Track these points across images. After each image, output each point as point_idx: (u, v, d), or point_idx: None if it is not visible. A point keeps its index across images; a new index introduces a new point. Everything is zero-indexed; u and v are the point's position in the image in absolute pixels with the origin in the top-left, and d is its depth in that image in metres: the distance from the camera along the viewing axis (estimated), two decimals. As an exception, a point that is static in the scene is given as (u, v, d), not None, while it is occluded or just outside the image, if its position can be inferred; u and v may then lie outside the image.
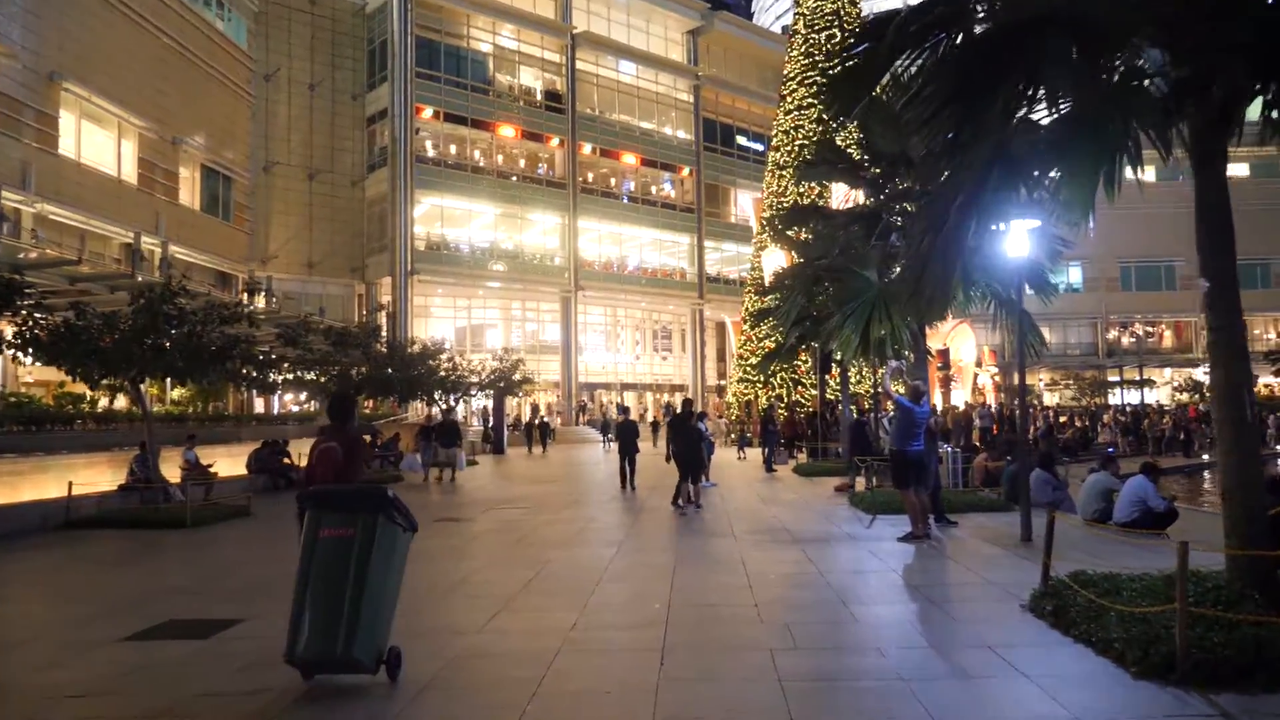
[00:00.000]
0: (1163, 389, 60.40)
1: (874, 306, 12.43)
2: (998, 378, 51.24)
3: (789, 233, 14.62)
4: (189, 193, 34.83)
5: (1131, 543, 9.71)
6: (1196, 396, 51.81)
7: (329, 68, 47.81)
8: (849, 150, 15.46)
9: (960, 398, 41.70)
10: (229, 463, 20.38)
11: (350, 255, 47.78)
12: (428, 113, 46.81)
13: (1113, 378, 60.55)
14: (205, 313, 13.60)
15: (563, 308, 51.02)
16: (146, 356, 12.86)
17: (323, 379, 21.61)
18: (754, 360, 38.19)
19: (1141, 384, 59.31)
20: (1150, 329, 62.96)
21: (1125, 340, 62.42)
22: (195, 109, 34.86)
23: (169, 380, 24.89)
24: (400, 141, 45.41)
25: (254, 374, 15.61)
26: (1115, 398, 58.41)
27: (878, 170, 13.74)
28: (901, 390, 10.78)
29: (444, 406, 29.50)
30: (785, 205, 38.32)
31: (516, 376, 30.73)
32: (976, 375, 46.93)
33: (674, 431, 14.83)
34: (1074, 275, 59.76)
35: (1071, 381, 61.14)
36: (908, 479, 10.54)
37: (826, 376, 25.10)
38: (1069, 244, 13.12)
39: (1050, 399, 58.64)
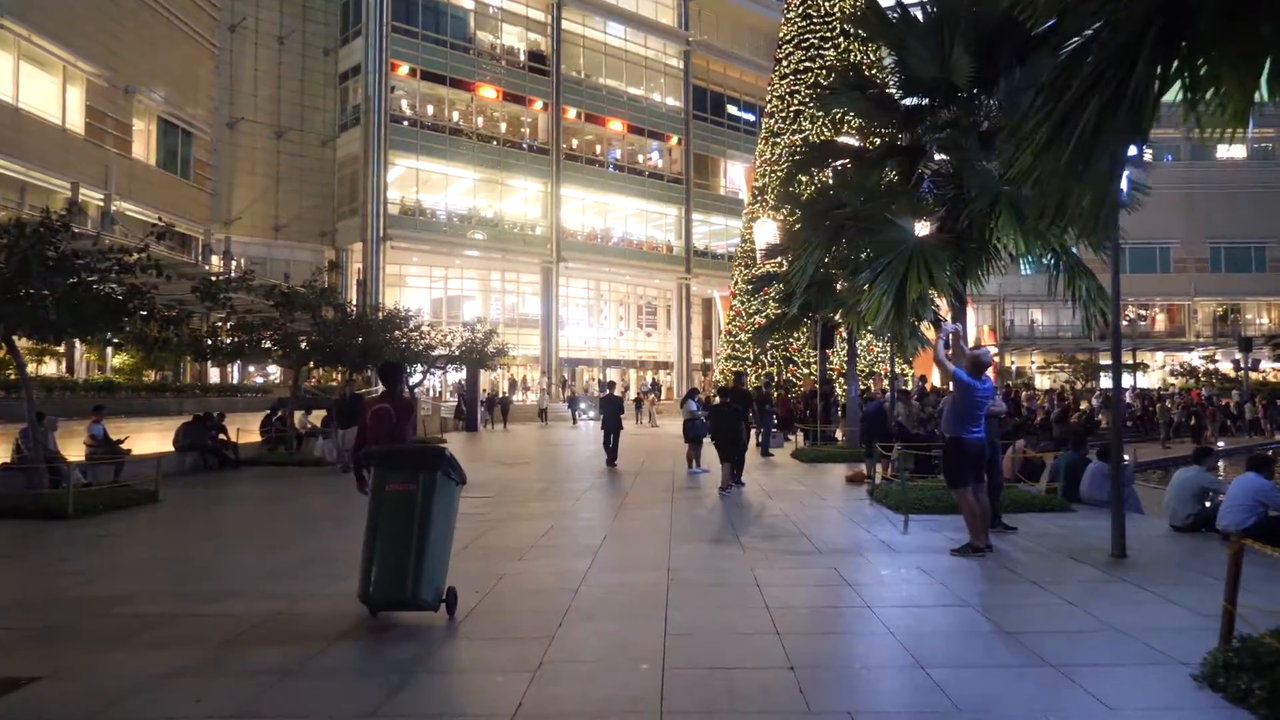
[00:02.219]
0: (1155, 373, 59.32)
1: (911, 261, 10.11)
2: (1013, 357, 49.30)
3: (803, 177, 12.13)
4: (144, 147, 32.04)
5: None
6: (1192, 381, 50.69)
7: (299, 19, 45.05)
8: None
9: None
10: (160, 439, 18.01)
11: (320, 219, 45.15)
12: (404, 70, 44.11)
13: (1105, 361, 59.19)
14: (94, 257, 11.09)
15: (544, 279, 48.58)
16: (14, 309, 10.43)
17: (266, 344, 19.12)
18: (743, 336, 36.08)
19: (1135, 368, 58.24)
20: (1144, 312, 61.54)
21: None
22: (152, 58, 32.02)
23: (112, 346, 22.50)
24: (374, 100, 42.74)
25: (164, 334, 13.12)
26: (1108, 381, 57.16)
27: (912, 102, 11.40)
28: (960, 362, 8.44)
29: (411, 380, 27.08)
30: (780, 174, 36.30)
31: (490, 348, 28.25)
32: (977, 356, 44.77)
33: (716, 417, 14.32)
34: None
35: (1067, 364, 59.53)
36: (965, 474, 8.24)
37: (826, 352, 22.90)
38: (1144, 189, 10.87)
39: (1042, 382, 56.98)
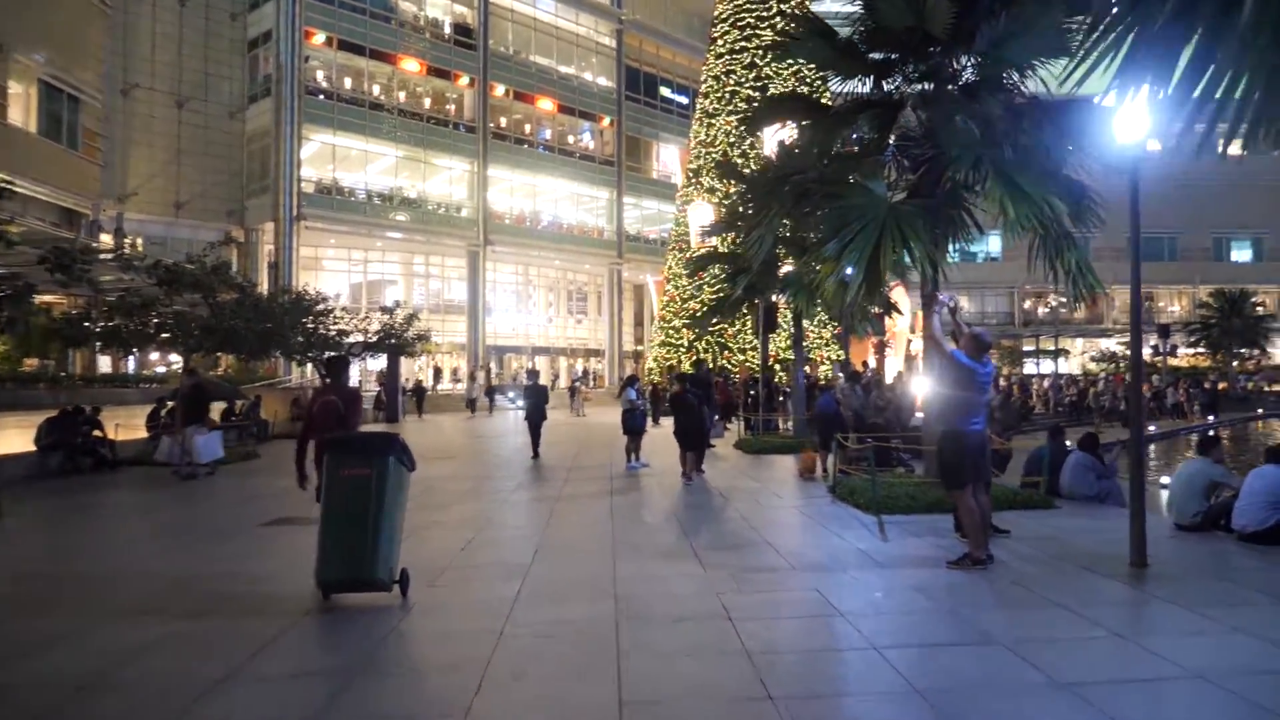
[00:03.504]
0: (1075, 359, 60.61)
1: (884, 229, 8.81)
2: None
3: (760, 134, 10.67)
4: (21, 112, 29.13)
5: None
6: (1112, 366, 51.71)
7: (203, -21, 42.13)
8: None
9: (894, 366, 38.94)
10: (24, 437, 15.84)
11: (226, 196, 42.50)
12: (319, 38, 41.67)
13: (1027, 347, 60.20)
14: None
15: (470, 264, 46.66)
16: None
17: (150, 329, 16.93)
18: (678, 322, 34.92)
19: (1056, 354, 59.58)
20: (1064, 299, 62.45)
21: (1041, 310, 62.28)
22: (32, 14, 29.09)
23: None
24: (287, 69, 40.24)
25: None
26: (1030, 367, 58.17)
27: (881, 56, 10.10)
28: (956, 341, 7.15)
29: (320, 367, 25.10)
30: (715, 155, 35.19)
31: (411, 334, 26.34)
32: (910, 342, 44.21)
33: (678, 406, 13.73)
34: (994, 244, 58.99)
35: (993, 352, 60.10)
36: (963, 473, 6.94)
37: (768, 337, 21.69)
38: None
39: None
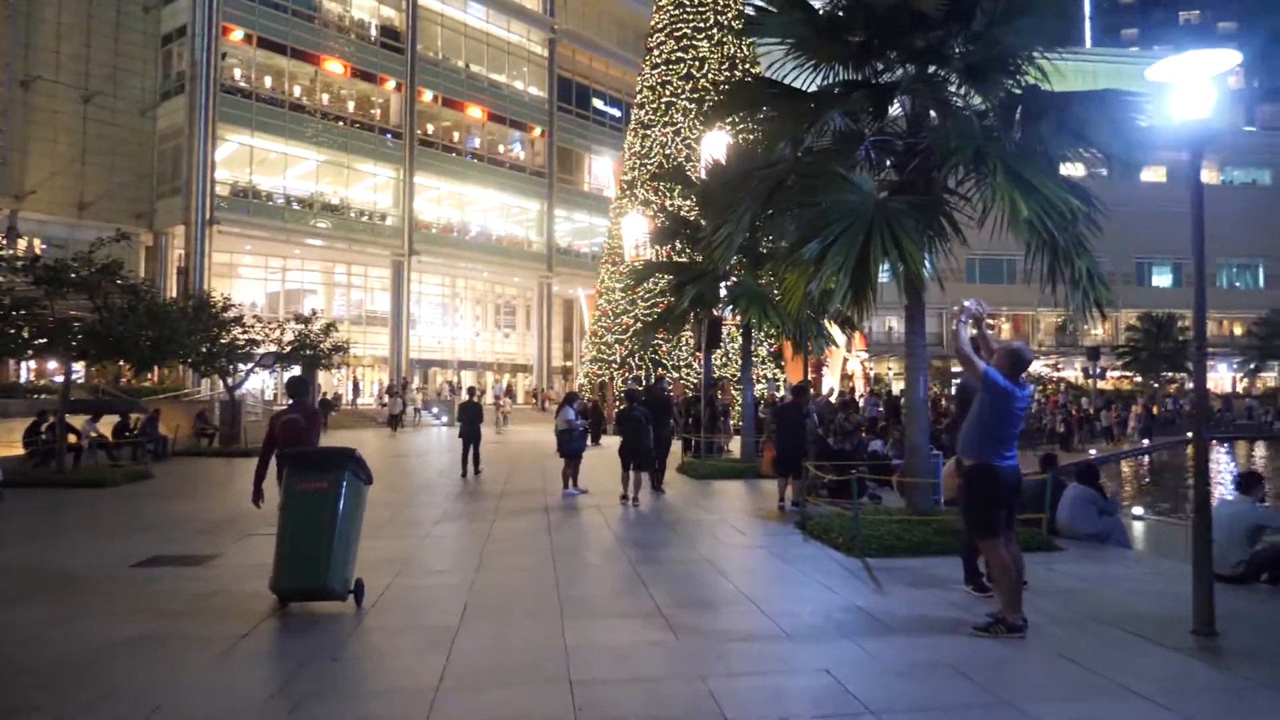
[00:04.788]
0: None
1: (873, 228, 7.67)
2: (868, 364, 48.65)
3: (726, 124, 9.40)
4: (-99, 99, 26.74)
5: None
6: (1050, 387, 52.18)
7: (113, -31, 39.66)
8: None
9: (827, 384, 38.31)
10: None
11: (135, 198, 39.95)
12: (237, 34, 39.52)
13: (956, 368, 60.56)
14: None
15: (394, 274, 44.76)
16: None
17: (23, 334, 14.86)
18: (610, 338, 33.73)
19: None
20: (991, 321, 63.76)
21: (1004, 333, 62.99)
22: (-84, -6, 26.77)
23: None
24: (201, 65, 37.99)
25: None
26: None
27: (864, 37, 8.99)
28: (986, 358, 5.92)
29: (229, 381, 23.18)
30: (650, 167, 34.30)
31: (327, 345, 24.52)
32: (846, 360, 43.76)
33: (621, 424, 13.40)
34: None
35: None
36: (994, 517, 5.73)
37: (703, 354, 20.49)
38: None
39: (897, 387, 57.37)
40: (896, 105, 8.99)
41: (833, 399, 25.61)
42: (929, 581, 7.20)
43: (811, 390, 21.16)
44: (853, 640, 5.64)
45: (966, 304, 6.05)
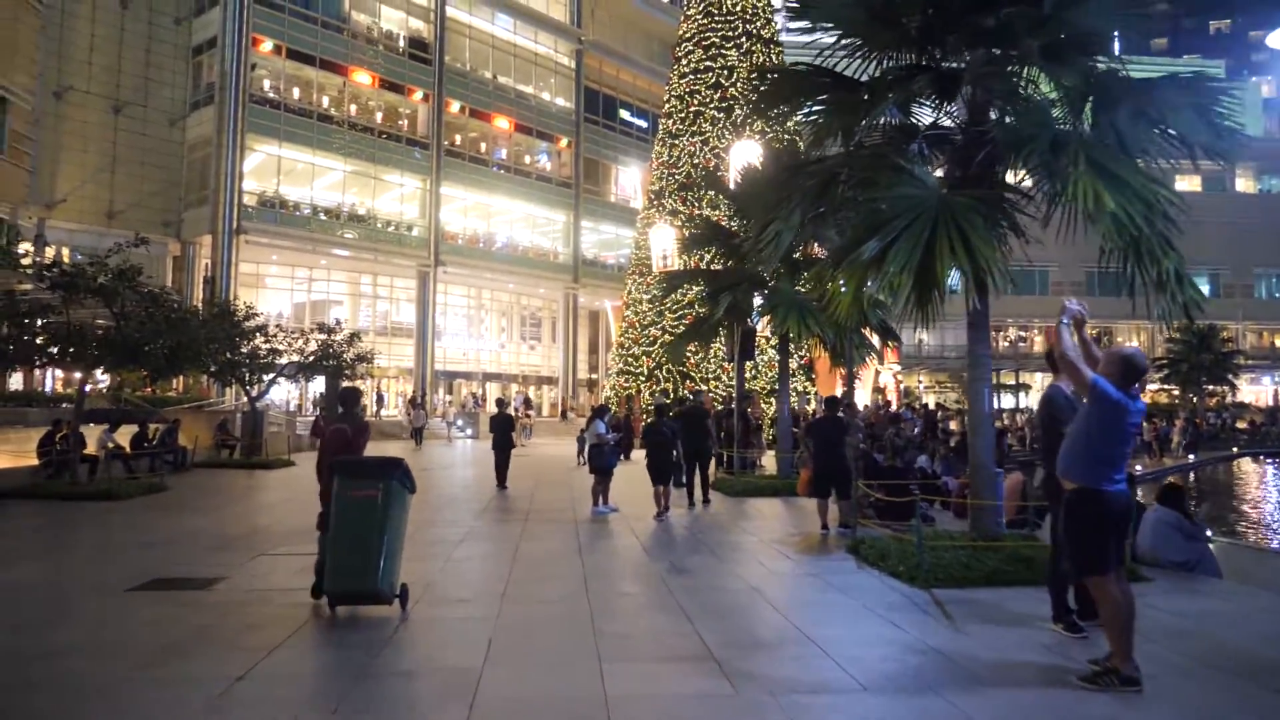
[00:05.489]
0: (1035, 394, 60.19)
1: (937, 223, 6.98)
2: (899, 376, 47.65)
3: (766, 120, 8.68)
4: (-60, 113, 26.63)
5: None
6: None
7: (147, -18, 39.70)
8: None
9: (860, 399, 37.37)
10: None
11: (163, 207, 39.83)
12: (267, 46, 39.40)
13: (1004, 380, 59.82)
14: None
15: (420, 285, 44.39)
16: None
17: (38, 340, 14.41)
18: (637, 350, 33.13)
19: (1017, 388, 59.39)
20: (1024, 334, 63.35)
21: (1001, 344, 62.07)
22: (-46, 10, 26.66)
23: None
24: (231, 76, 37.89)
25: None
26: (1000, 400, 57.67)
27: (919, 22, 8.29)
28: (1101, 367, 5.14)
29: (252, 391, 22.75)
30: (679, 177, 33.89)
31: (351, 354, 24.03)
32: (878, 373, 42.73)
33: (648, 438, 13.38)
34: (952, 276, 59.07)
35: (956, 383, 59.76)
36: (1105, 551, 5.02)
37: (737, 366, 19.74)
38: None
39: (929, 402, 56.50)
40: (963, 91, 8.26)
41: (880, 412, 24.74)
42: (1008, 618, 6.47)
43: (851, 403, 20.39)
44: (939, 695, 4.91)
45: (1068, 304, 5.32)
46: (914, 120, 8.57)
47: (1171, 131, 7.78)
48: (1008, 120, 7.91)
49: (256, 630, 6.19)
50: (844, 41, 8.49)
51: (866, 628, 6.41)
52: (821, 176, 8.44)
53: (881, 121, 8.35)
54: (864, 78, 8.53)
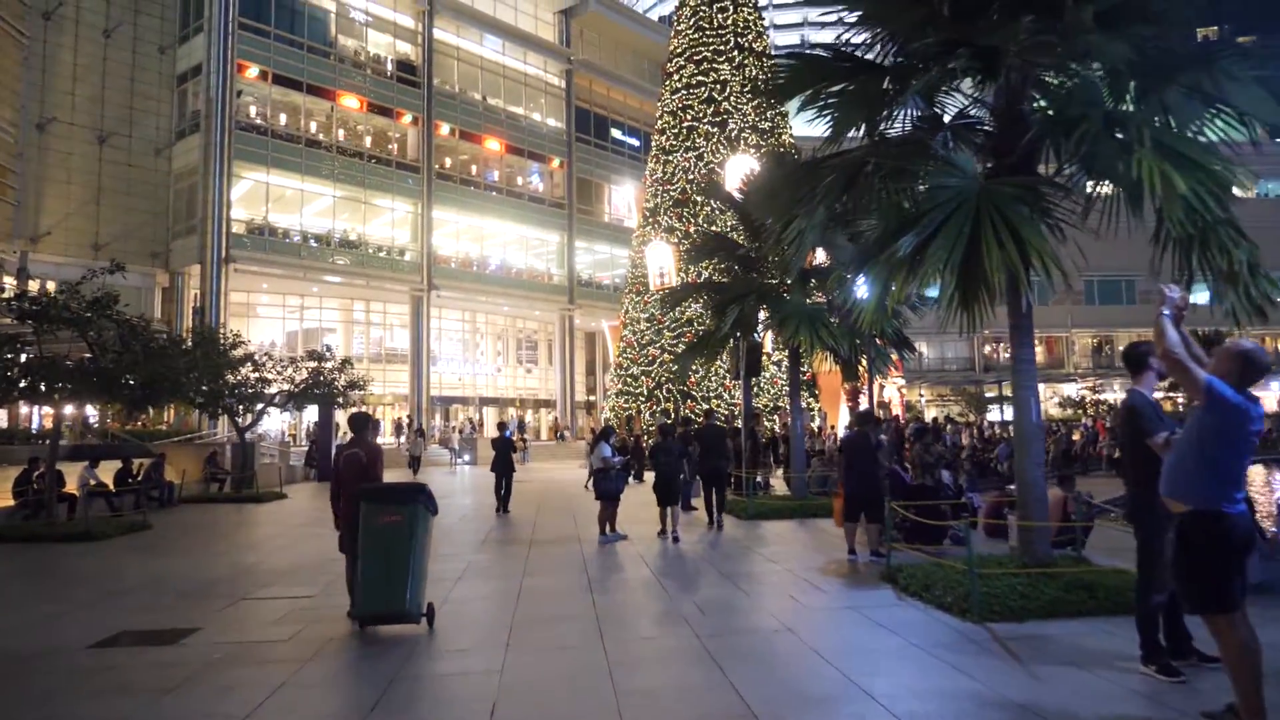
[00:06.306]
0: (1045, 404, 59.33)
1: (980, 215, 6.27)
2: (903, 390, 46.94)
3: (799, 97, 7.98)
4: (-79, 144, 25.99)
5: None
6: (1080, 412, 50.64)
7: (130, 11, 39.43)
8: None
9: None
10: None
11: (151, 238, 39.21)
12: (253, 72, 38.87)
13: (989, 393, 58.94)
14: None
15: (413, 310, 43.66)
16: None
17: (9, 372, 13.62)
18: (636, 370, 32.41)
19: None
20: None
21: (1002, 355, 61.45)
22: (-70, 39, 26.10)
23: None
24: (217, 103, 37.31)
25: None
26: (994, 413, 56.85)
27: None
28: (1214, 367, 4.37)
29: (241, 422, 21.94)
30: (673, 193, 33.34)
31: (343, 382, 23.28)
32: (883, 387, 42.04)
33: (655, 458, 13.03)
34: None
35: (959, 396, 58.98)
36: (1229, 589, 4.28)
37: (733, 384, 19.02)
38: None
39: (930, 414, 55.76)
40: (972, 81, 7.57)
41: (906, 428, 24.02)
42: (1085, 657, 5.68)
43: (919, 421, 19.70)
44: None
45: (1169, 292, 4.55)
46: (937, 110, 7.88)
47: (1227, 110, 7.09)
48: (1050, 102, 7.20)
49: (224, 694, 5.42)
50: (866, 26, 7.79)
51: (926, 675, 5.58)
52: (846, 169, 7.73)
53: (904, 113, 7.66)
54: (888, 63, 7.85)
